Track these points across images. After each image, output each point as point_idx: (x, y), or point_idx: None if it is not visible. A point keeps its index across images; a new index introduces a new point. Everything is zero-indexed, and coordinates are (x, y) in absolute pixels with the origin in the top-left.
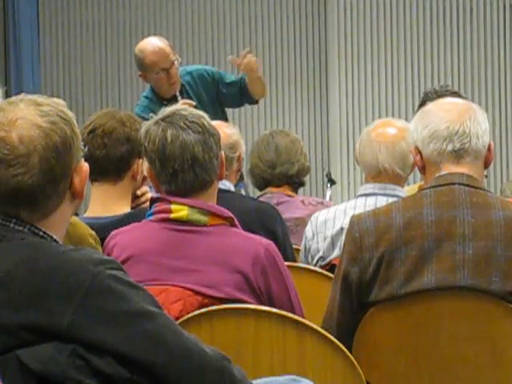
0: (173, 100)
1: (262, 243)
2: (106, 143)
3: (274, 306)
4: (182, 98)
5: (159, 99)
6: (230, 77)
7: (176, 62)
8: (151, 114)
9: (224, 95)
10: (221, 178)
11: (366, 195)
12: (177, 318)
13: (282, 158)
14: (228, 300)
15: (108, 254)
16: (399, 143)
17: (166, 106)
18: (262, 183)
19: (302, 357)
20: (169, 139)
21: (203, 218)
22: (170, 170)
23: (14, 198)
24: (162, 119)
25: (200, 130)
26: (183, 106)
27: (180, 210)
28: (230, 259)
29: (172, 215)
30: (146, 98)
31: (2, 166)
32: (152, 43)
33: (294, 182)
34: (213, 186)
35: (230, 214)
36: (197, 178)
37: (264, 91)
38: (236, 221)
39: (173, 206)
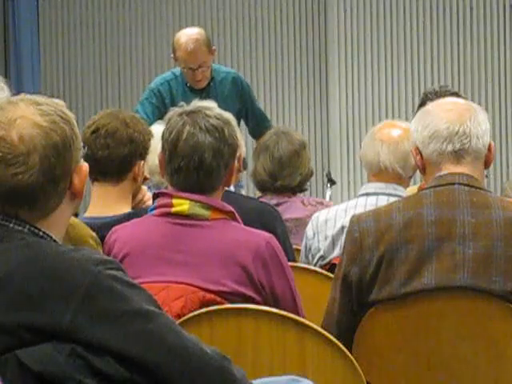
0: (197, 90)
1: (262, 237)
2: (109, 144)
3: (277, 299)
4: (206, 93)
5: (186, 81)
6: (259, 105)
7: (208, 63)
8: (182, 103)
9: (244, 111)
10: (227, 185)
11: (367, 194)
12: (178, 315)
13: (284, 172)
14: (228, 293)
15: (109, 249)
16: (402, 143)
17: (189, 89)
18: (262, 189)
19: (302, 357)
20: (183, 136)
21: (204, 212)
22: (176, 166)
23: (13, 198)
24: (187, 113)
25: (217, 136)
26: (210, 103)
27: (181, 204)
28: (231, 253)
29: (173, 209)
30: (173, 74)
31: (1, 165)
32: (188, 40)
33: (295, 190)
34: (215, 193)
35: (231, 209)
36: (198, 180)
37: None
38: (237, 215)
39: (174, 200)
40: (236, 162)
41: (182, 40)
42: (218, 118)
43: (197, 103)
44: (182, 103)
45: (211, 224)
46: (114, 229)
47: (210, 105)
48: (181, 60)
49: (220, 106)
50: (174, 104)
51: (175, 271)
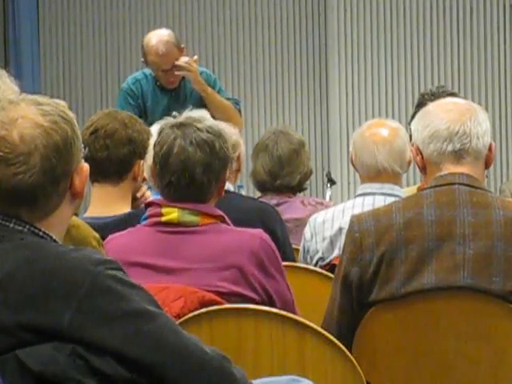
0: (167, 90)
1: (254, 235)
2: (108, 145)
3: (275, 294)
4: (175, 93)
5: (156, 81)
6: (224, 93)
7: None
8: (175, 113)
9: None
10: (220, 196)
11: (364, 195)
12: (178, 315)
13: (283, 171)
14: (226, 294)
15: None
16: (395, 141)
17: (159, 89)
18: (262, 189)
19: (302, 357)
20: (174, 151)
21: (194, 219)
22: (166, 181)
23: (14, 198)
24: (178, 126)
25: (208, 151)
26: (201, 113)
27: (171, 213)
28: (225, 255)
29: (163, 218)
30: (144, 73)
31: (2, 164)
32: (157, 43)
33: (295, 189)
34: (207, 204)
35: (220, 213)
36: (190, 194)
37: (228, 117)
38: (227, 218)
39: (163, 210)
40: (234, 162)
41: (153, 43)
42: (209, 132)
43: (188, 113)
44: (174, 113)
45: (202, 229)
46: (107, 239)
47: (201, 114)
48: (153, 63)
49: (189, 104)
50: (144, 103)
51: (171, 279)
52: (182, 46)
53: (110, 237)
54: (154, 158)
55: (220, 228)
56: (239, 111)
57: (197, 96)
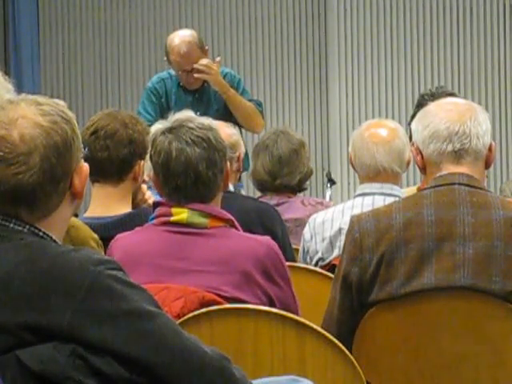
0: (191, 91)
1: (261, 242)
2: (109, 145)
3: (279, 303)
4: (199, 94)
5: (179, 81)
6: (248, 97)
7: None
8: (161, 121)
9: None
10: (225, 189)
11: (364, 195)
12: (178, 316)
13: (283, 171)
14: (229, 298)
15: (110, 256)
16: (394, 141)
17: (183, 89)
18: (262, 189)
19: (302, 357)
20: (173, 154)
21: (203, 221)
22: (173, 185)
23: (13, 197)
24: (170, 130)
25: (205, 145)
26: (192, 115)
27: (180, 213)
28: (231, 260)
29: (172, 218)
30: (169, 73)
31: (2, 164)
32: (180, 43)
33: (294, 189)
34: (215, 199)
35: (230, 216)
36: (199, 193)
37: (249, 119)
38: (236, 222)
39: (173, 210)
40: (234, 162)
41: (175, 43)
42: (200, 128)
43: (176, 117)
44: (160, 121)
45: (210, 232)
46: (116, 237)
47: (187, 114)
48: (175, 63)
49: (213, 104)
50: (168, 103)
51: (175, 279)
52: (206, 47)
53: (118, 235)
54: (154, 168)
55: (228, 232)
56: (261, 113)
57: (221, 97)
